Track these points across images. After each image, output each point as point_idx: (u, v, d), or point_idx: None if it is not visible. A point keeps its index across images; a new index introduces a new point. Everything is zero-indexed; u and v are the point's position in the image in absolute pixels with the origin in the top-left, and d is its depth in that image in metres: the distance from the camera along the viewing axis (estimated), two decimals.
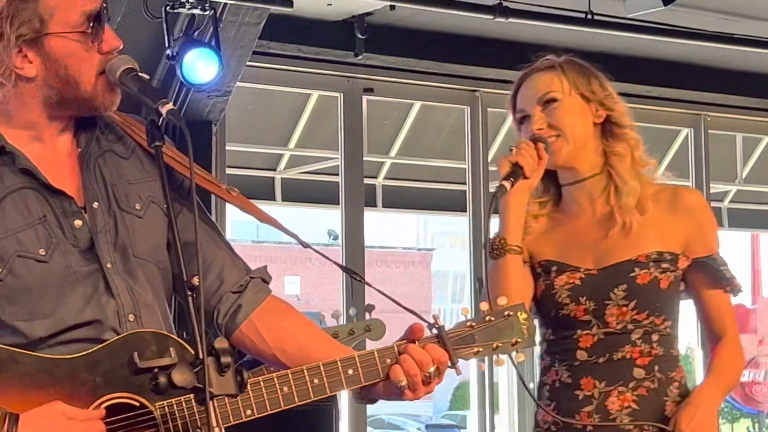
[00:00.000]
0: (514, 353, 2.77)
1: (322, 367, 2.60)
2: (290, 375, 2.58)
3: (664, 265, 3.36)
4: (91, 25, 2.53)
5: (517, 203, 3.32)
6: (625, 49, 7.79)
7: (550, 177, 3.46)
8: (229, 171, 7.26)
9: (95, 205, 2.59)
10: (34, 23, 2.51)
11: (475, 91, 7.78)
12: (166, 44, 6.23)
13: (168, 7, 6.18)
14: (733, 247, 13.68)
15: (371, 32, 7.19)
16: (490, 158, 7.98)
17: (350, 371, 2.61)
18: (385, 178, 8.76)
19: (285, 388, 2.56)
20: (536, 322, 3.42)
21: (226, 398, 2.31)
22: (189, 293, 2.32)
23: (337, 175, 7.60)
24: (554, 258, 3.41)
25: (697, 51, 7.54)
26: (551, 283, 3.38)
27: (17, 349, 2.46)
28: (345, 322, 5.23)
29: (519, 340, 2.72)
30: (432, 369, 2.61)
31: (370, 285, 2.84)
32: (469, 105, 7.82)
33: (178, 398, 2.47)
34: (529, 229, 3.43)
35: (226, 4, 6.49)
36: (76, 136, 2.64)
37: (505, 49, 7.65)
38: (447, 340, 2.65)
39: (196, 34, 6.38)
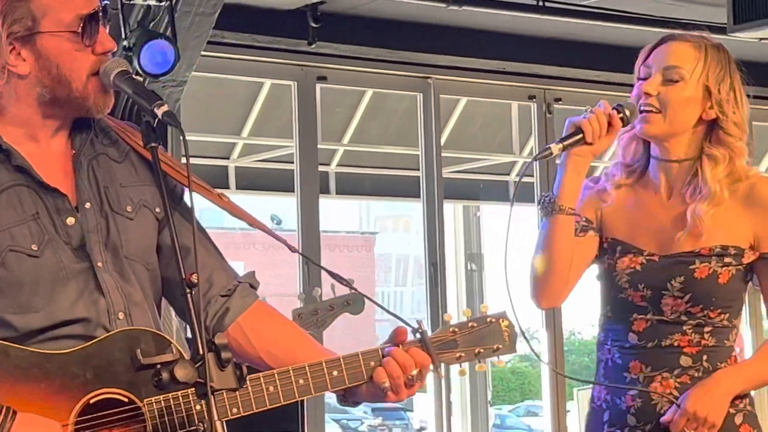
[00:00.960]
0: (495, 359, 2.85)
1: (307, 368, 2.66)
2: (276, 375, 2.64)
3: (727, 260, 3.34)
4: (83, 25, 2.58)
5: (574, 165, 3.28)
6: (574, 35, 7.87)
7: (646, 145, 3.43)
8: (183, 160, 7.25)
9: (87, 205, 2.65)
10: (26, 21, 2.57)
11: (427, 77, 7.84)
12: (123, 35, 6.22)
13: None
14: None
15: (324, 21, 7.22)
16: (442, 143, 8.07)
17: (335, 372, 2.68)
18: (338, 165, 8.80)
19: (270, 388, 2.62)
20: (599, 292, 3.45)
21: (212, 396, 2.36)
22: (188, 290, 2.38)
23: (291, 162, 7.64)
24: (621, 237, 3.40)
25: (645, 36, 7.63)
26: (614, 264, 3.39)
27: (9, 343, 2.51)
28: (304, 304, 5.26)
29: (500, 346, 2.81)
30: (414, 372, 2.69)
31: (359, 291, 2.89)
32: (421, 92, 7.88)
33: (166, 395, 2.53)
34: (609, 197, 3.42)
35: None
36: (71, 138, 2.69)
37: (457, 36, 7.72)
38: (430, 344, 2.73)
39: (152, 24, 6.38)
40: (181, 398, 2.54)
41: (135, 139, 2.74)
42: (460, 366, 2.79)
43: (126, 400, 2.54)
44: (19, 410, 2.47)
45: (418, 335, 2.73)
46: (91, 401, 2.52)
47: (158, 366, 2.34)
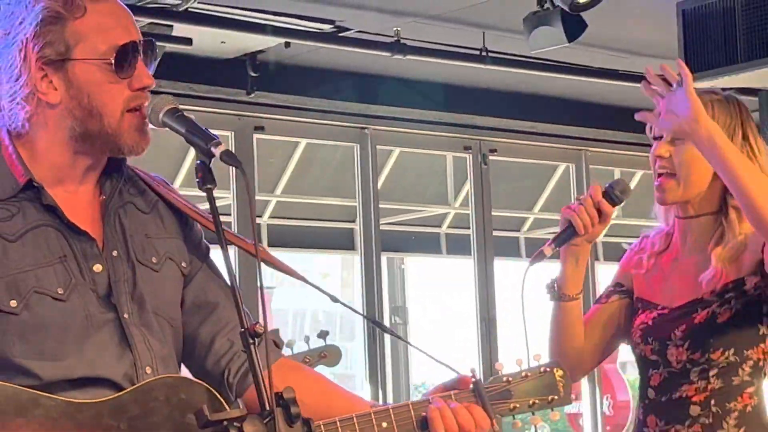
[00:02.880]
0: (549, 411, 2.76)
1: (355, 419, 2.55)
2: (323, 426, 2.51)
3: (728, 296, 3.31)
4: (117, 56, 2.45)
5: (572, 255, 3.34)
6: (510, 85, 7.88)
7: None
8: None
9: (114, 253, 2.52)
10: (58, 46, 2.43)
11: (364, 128, 7.76)
12: None
13: None
14: (605, 280, 13.94)
15: (263, 70, 7.13)
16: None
17: (384, 424, 2.57)
18: (271, 216, 8.66)
19: None
20: None
21: None
22: (251, 341, 2.26)
23: (228, 214, 7.49)
24: (642, 295, 3.44)
25: (582, 86, 7.68)
26: (634, 320, 3.43)
27: (38, 392, 2.36)
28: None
29: (555, 397, 2.72)
30: None
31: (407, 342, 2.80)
32: (358, 142, 7.80)
33: None
34: (642, 267, 3.45)
35: None
36: (99, 184, 2.56)
37: (394, 87, 7.69)
38: (487, 401, 2.64)
39: None
40: None
41: (164, 189, 2.65)
42: (513, 418, 2.69)
43: None
44: None
45: (472, 386, 2.64)
46: None
47: (225, 422, 2.21)
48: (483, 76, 7.54)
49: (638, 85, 7.71)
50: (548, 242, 3.29)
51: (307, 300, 28.04)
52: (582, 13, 6.19)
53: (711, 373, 3.31)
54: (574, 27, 6.08)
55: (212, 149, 2.39)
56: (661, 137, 3.34)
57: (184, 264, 2.62)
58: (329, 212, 8.93)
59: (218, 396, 2.46)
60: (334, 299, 2.79)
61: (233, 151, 2.44)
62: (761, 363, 3.36)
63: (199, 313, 2.63)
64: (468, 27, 6.80)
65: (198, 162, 2.41)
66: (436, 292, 11.94)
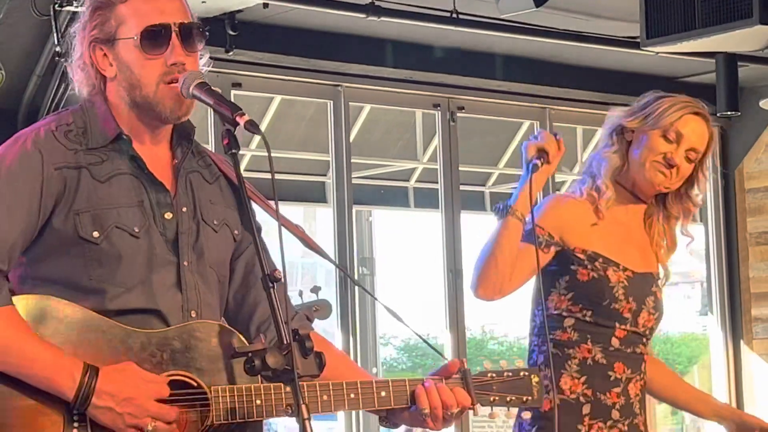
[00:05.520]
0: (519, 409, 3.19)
1: (359, 385, 2.92)
2: (330, 386, 2.88)
3: (659, 282, 3.96)
4: (143, 35, 2.84)
5: (537, 181, 3.74)
6: (478, 45, 8.15)
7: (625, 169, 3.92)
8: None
9: (184, 209, 2.94)
10: (107, 28, 2.86)
11: (338, 85, 8.02)
12: (55, 41, 6.27)
13: (56, 5, 6.24)
14: None
15: (242, 29, 7.35)
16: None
17: (383, 393, 2.95)
18: (246, 169, 8.90)
19: (324, 396, 2.86)
20: (567, 297, 3.85)
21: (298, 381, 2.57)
22: (271, 285, 2.59)
23: None
24: (599, 251, 3.84)
25: (545, 47, 7.96)
26: (604, 275, 3.81)
27: (101, 316, 2.78)
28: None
29: (529, 398, 3.12)
30: (456, 411, 2.98)
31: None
32: (332, 99, 8.05)
33: (231, 386, 2.77)
34: (601, 215, 3.87)
35: None
36: (172, 150, 2.97)
37: (368, 46, 7.92)
38: (471, 385, 3.03)
39: None
40: (244, 390, 2.75)
41: (226, 167, 3.04)
42: (492, 409, 3.09)
43: (195, 384, 2.78)
44: None
45: (460, 374, 3.03)
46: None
47: (250, 354, 2.54)
48: (452, 37, 7.79)
49: (600, 47, 8.00)
50: (534, 159, 3.71)
51: (271, 251, 28.38)
52: None
53: (647, 341, 3.89)
54: None
55: (237, 119, 2.72)
56: (675, 143, 3.85)
57: (236, 232, 3.02)
58: (302, 166, 9.19)
59: (245, 342, 2.86)
60: (343, 270, 3.12)
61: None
62: None
63: (246, 281, 3.04)
64: None
65: (224, 129, 2.74)
66: (404, 244, 12.27)
